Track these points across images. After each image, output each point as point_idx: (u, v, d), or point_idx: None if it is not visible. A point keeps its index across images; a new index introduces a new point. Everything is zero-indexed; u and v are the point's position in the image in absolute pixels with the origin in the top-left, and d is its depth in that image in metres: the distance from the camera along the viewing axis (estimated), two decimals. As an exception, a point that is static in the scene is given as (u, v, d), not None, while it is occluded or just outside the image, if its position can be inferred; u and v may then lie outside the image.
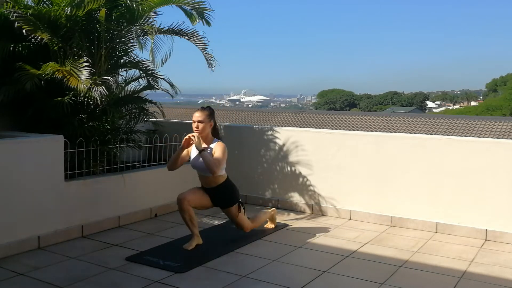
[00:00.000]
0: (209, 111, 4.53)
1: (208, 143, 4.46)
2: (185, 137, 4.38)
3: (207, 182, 4.52)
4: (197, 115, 4.44)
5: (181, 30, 5.77)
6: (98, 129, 5.10)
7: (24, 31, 4.71)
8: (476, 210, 4.98)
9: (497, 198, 4.88)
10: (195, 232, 4.48)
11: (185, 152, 4.52)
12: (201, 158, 4.33)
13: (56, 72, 4.64)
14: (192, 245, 4.43)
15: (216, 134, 4.57)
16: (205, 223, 5.33)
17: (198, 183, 4.63)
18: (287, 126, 8.81)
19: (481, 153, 4.99)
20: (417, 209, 5.26)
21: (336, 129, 13.78)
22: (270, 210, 5.18)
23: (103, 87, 4.78)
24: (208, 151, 4.38)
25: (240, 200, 4.69)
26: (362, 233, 5.07)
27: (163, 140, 6.08)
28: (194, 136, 4.32)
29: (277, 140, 6.10)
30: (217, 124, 4.64)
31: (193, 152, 4.52)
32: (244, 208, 4.70)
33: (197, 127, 4.41)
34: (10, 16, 4.74)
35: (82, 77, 4.58)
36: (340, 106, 77.65)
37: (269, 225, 5.18)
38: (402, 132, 14.60)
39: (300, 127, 11.82)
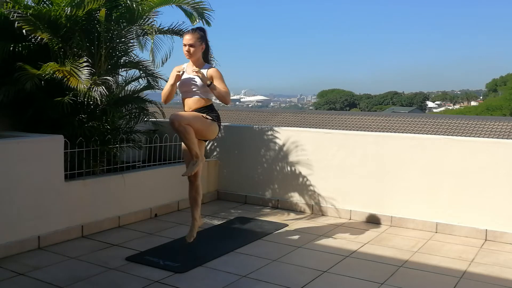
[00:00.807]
0: (200, 33, 4.25)
1: (199, 67, 4.25)
2: (177, 73, 4.18)
3: (192, 104, 4.24)
4: (188, 38, 4.19)
5: (181, 30, 5.77)
6: (98, 129, 5.10)
7: (24, 31, 4.72)
8: (476, 210, 4.98)
9: (497, 198, 4.88)
10: (196, 215, 4.36)
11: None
12: (196, 80, 4.15)
13: (56, 72, 4.64)
14: (193, 234, 4.32)
15: (206, 59, 4.35)
16: (205, 223, 5.33)
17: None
18: (287, 126, 8.82)
19: (481, 153, 4.99)
20: (417, 209, 5.26)
21: (336, 129, 13.79)
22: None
23: (103, 87, 4.78)
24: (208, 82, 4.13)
25: (220, 126, 4.37)
26: (362, 233, 5.07)
27: (163, 140, 6.08)
28: (197, 71, 4.08)
29: (277, 140, 6.10)
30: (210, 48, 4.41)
31: (183, 76, 4.28)
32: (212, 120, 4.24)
33: (188, 51, 4.20)
34: (10, 16, 4.73)
35: (82, 77, 4.58)
36: (340, 106, 77.63)
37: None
38: (402, 132, 14.61)
39: (300, 127, 11.83)
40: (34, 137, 4.43)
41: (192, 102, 4.28)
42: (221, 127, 4.45)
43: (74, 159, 4.88)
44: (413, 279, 3.86)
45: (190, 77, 4.24)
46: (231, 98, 4.34)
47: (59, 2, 4.86)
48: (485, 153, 4.97)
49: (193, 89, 4.25)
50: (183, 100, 4.36)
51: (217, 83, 4.20)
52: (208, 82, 4.13)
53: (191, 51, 4.21)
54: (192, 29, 4.29)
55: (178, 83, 4.30)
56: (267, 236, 4.92)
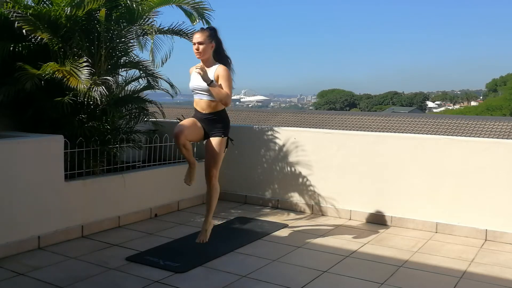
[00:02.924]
0: (210, 31, 4.26)
1: (209, 66, 4.25)
2: (190, 69, 4.27)
3: (204, 106, 4.31)
4: (197, 36, 4.20)
5: (181, 30, 5.77)
6: (98, 129, 5.10)
7: (24, 31, 4.71)
8: (476, 210, 4.98)
9: (497, 198, 4.88)
10: (191, 160, 4.47)
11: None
12: (202, 81, 4.15)
13: (56, 72, 4.64)
14: (192, 177, 4.50)
15: (219, 57, 4.31)
16: (205, 223, 5.33)
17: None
18: (287, 126, 8.82)
19: (481, 153, 4.99)
20: (417, 209, 5.26)
21: (336, 129, 13.79)
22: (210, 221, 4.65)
23: (103, 87, 4.78)
24: (214, 82, 4.16)
25: (230, 138, 4.49)
26: (362, 233, 5.07)
27: (163, 140, 6.08)
28: (199, 69, 4.10)
29: (277, 140, 6.10)
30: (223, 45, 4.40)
31: (192, 75, 4.35)
32: (227, 147, 4.47)
33: (197, 49, 4.19)
34: (10, 16, 4.73)
35: (82, 77, 4.58)
36: (340, 106, 77.64)
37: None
38: (402, 132, 14.61)
39: (300, 127, 11.82)
40: (34, 137, 4.43)
41: (203, 104, 4.33)
42: (229, 141, 4.53)
43: (74, 159, 4.87)
44: (413, 279, 3.86)
45: (198, 77, 4.22)
46: (231, 97, 4.35)
47: (59, 2, 4.85)
48: (485, 153, 4.96)
49: (201, 90, 4.28)
50: (196, 99, 4.39)
51: (221, 82, 4.20)
52: (209, 80, 4.13)
53: (200, 49, 4.20)
54: (202, 28, 4.33)
55: (190, 84, 4.37)
56: (267, 236, 4.92)
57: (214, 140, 4.37)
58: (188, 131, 4.31)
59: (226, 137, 4.42)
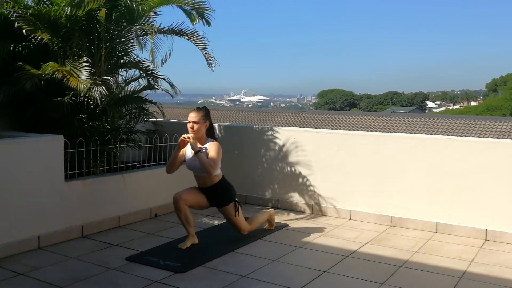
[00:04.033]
0: (204, 111, 4.54)
1: (203, 143, 4.49)
2: (181, 138, 4.42)
3: (203, 182, 4.56)
4: (192, 116, 4.48)
5: (181, 30, 5.76)
6: (98, 129, 5.10)
7: (24, 31, 4.71)
8: (476, 210, 4.98)
9: (497, 198, 4.88)
10: (190, 231, 4.50)
11: (180, 152, 4.54)
12: (196, 159, 4.37)
13: (56, 72, 4.64)
14: (187, 244, 4.45)
15: (211, 135, 4.60)
16: (205, 223, 5.34)
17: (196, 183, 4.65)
18: (287, 126, 8.82)
19: (481, 153, 4.99)
20: (417, 209, 5.26)
21: (336, 129, 13.79)
22: (268, 210, 5.17)
23: (103, 87, 4.78)
24: (204, 151, 4.41)
25: (236, 199, 4.69)
26: (362, 233, 5.07)
27: (163, 140, 6.08)
28: (189, 137, 4.36)
29: (277, 140, 6.10)
30: (216, 124, 4.64)
31: (188, 152, 4.54)
32: (240, 207, 4.69)
33: (192, 128, 4.44)
34: (10, 16, 4.74)
35: (82, 77, 4.58)
36: (340, 106, 77.65)
37: (268, 227, 5.15)
38: (402, 132, 14.61)
39: (300, 127, 11.82)
40: (34, 137, 4.43)
41: (203, 180, 4.54)
42: (238, 204, 4.72)
43: (74, 159, 4.87)
44: (413, 279, 3.86)
45: (193, 158, 4.44)
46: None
47: (59, 2, 4.86)
48: (485, 153, 4.96)
49: (198, 170, 4.47)
50: (194, 175, 4.61)
51: (210, 154, 4.42)
52: (196, 149, 4.35)
53: (195, 128, 4.44)
54: (197, 108, 4.59)
55: (186, 162, 4.56)
56: (267, 236, 4.92)
57: (225, 211, 4.63)
58: (188, 196, 4.48)
59: (233, 201, 4.62)
